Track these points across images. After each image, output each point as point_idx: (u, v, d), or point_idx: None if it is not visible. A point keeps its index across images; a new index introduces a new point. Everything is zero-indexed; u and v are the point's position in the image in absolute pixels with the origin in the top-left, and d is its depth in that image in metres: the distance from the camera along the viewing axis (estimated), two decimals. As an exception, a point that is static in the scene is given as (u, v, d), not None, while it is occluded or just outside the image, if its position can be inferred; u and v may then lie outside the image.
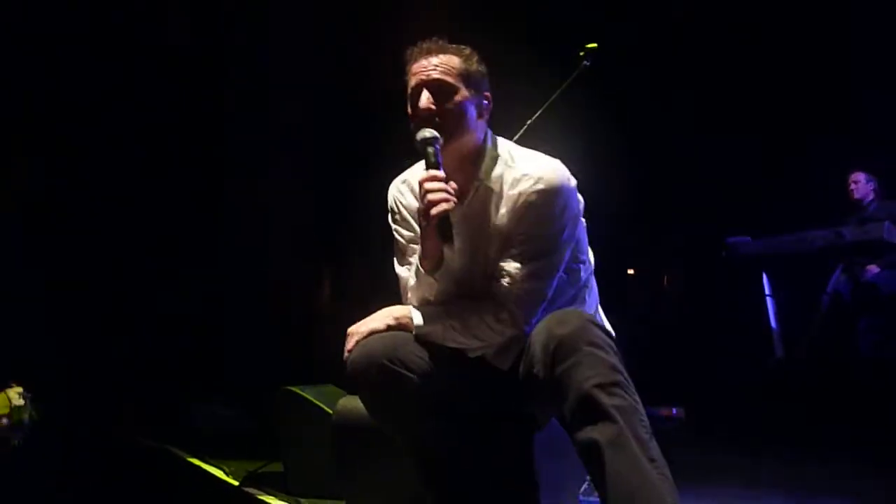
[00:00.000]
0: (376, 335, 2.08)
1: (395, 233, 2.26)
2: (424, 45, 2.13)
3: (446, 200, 1.96)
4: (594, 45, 3.09)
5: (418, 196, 2.06)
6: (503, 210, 2.09)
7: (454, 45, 2.14)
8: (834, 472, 3.73)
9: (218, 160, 6.12)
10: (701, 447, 3.96)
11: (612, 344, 1.89)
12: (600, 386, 1.80)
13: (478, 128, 2.13)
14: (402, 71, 2.17)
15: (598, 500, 2.13)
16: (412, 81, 2.12)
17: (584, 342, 1.85)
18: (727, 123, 6.06)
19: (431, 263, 2.09)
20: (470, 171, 2.12)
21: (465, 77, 2.11)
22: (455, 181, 2.06)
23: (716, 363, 5.75)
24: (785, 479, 3.50)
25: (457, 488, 2.13)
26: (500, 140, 2.20)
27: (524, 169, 2.10)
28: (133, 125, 5.76)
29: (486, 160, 2.13)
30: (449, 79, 2.08)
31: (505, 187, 2.10)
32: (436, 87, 2.08)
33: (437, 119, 2.06)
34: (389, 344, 2.06)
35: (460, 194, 2.09)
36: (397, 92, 2.23)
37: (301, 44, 5.85)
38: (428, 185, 1.98)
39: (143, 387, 5.36)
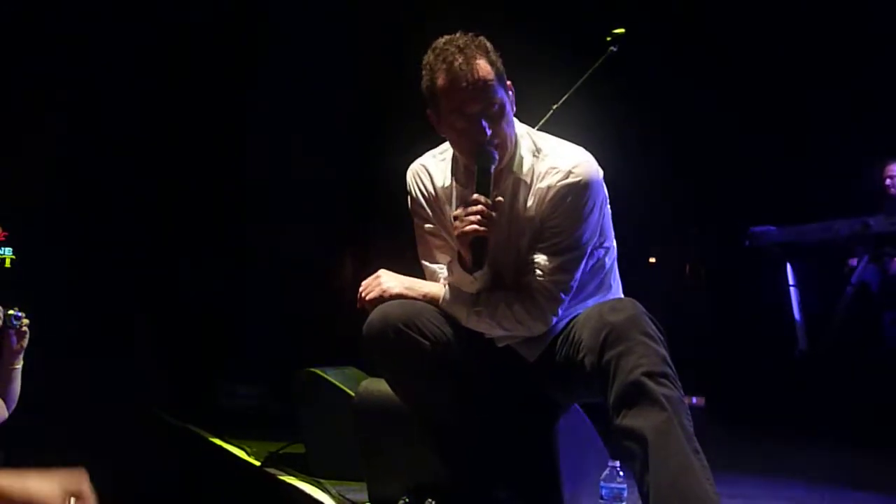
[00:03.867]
0: (397, 301, 2.12)
1: (414, 218, 2.25)
2: (453, 60, 1.98)
3: (482, 226, 1.94)
4: (622, 30, 3.06)
5: (436, 184, 2.12)
6: (531, 202, 2.08)
7: (474, 43, 2.01)
8: (856, 464, 3.71)
9: (241, 145, 6.14)
10: (722, 437, 3.95)
11: (663, 336, 1.90)
12: (650, 374, 1.81)
13: (513, 127, 2.10)
14: (425, 80, 2.04)
15: (620, 486, 2.13)
16: (463, 107, 1.99)
17: (637, 331, 1.86)
18: (752, 111, 6.00)
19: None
20: (504, 163, 2.10)
21: (500, 81, 2.02)
22: (495, 178, 2.07)
23: (738, 354, 5.72)
24: (807, 470, 3.48)
25: (473, 466, 2.15)
26: (522, 126, 2.17)
27: (552, 162, 2.07)
28: (158, 107, 5.79)
29: (517, 151, 2.10)
30: (497, 97, 2.00)
31: (535, 179, 2.08)
32: (491, 114, 2.00)
33: (496, 141, 2.03)
34: (408, 310, 2.09)
35: (494, 187, 2.07)
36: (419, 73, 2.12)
37: (323, 26, 5.85)
38: (470, 210, 1.97)
39: (168, 367, 5.41)
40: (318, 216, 6.02)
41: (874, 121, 5.69)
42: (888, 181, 5.67)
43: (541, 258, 2.06)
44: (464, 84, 1.97)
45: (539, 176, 2.08)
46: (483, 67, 1.98)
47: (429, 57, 2.04)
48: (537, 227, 2.08)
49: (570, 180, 2.04)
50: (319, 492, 2.72)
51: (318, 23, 5.84)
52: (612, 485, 2.15)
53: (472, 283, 2.08)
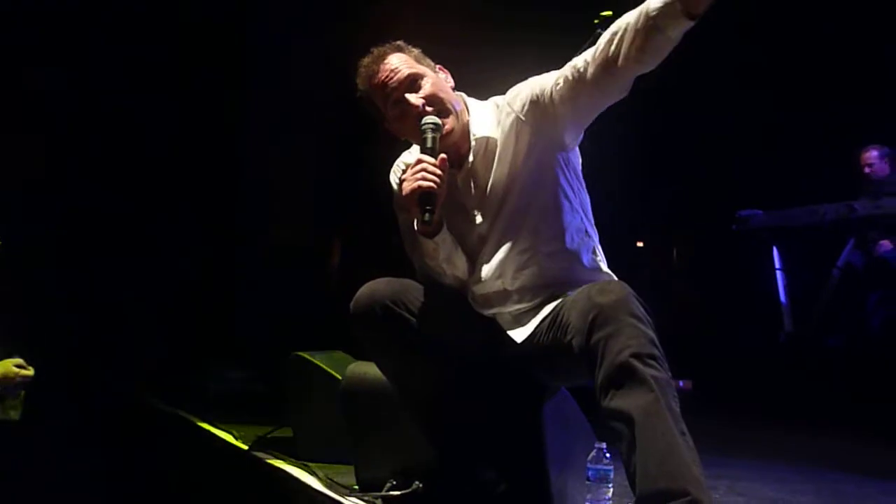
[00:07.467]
0: (384, 278, 2.14)
1: (399, 213, 2.27)
2: (369, 65, 2.19)
3: (426, 181, 2.00)
4: (609, 13, 3.04)
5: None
6: (511, 137, 2.13)
7: (384, 47, 2.21)
8: (840, 445, 3.74)
9: (232, 128, 6.11)
10: (708, 420, 3.97)
11: (651, 318, 1.90)
12: (638, 356, 1.80)
13: (456, 97, 2.22)
14: (360, 96, 2.23)
15: (606, 467, 2.15)
16: (390, 97, 2.16)
17: (625, 312, 1.85)
18: (739, 94, 6.01)
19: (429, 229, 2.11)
20: (467, 135, 2.18)
21: (417, 61, 2.20)
22: (460, 150, 2.16)
23: (725, 337, 5.75)
24: (790, 453, 3.51)
25: (459, 447, 2.16)
26: (467, 97, 2.28)
27: (504, 95, 2.18)
28: (150, 91, 5.77)
29: (473, 118, 2.20)
30: (414, 70, 2.16)
31: (501, 116, 2.17)
32: (410, 84, 2.15)
33: (433, 108, 2.12)
34: (395, 287, 2.12)
35: (462, 157, 2.16)
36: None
37: (320, 23, 5.84)
38: (413, 168, 2.03)
39: (155, 351, 5.40)
40: (308, 203, 6.01)
41: (861, 107, 5.70)
42: (867, 169, 5.70)
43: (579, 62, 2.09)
44: (381, 77, 2.17)
45: (500, 109, 2.18)
46: (394, 57, 2.19)
47: (356, 80, 2.23)
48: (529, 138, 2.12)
49: (521, 83, 2.18)
50: (307, 475, 2.72)
51: (316, 20, 5.82)
52: (599, 466, 2.16)
53: (434, 249, 2.13)
